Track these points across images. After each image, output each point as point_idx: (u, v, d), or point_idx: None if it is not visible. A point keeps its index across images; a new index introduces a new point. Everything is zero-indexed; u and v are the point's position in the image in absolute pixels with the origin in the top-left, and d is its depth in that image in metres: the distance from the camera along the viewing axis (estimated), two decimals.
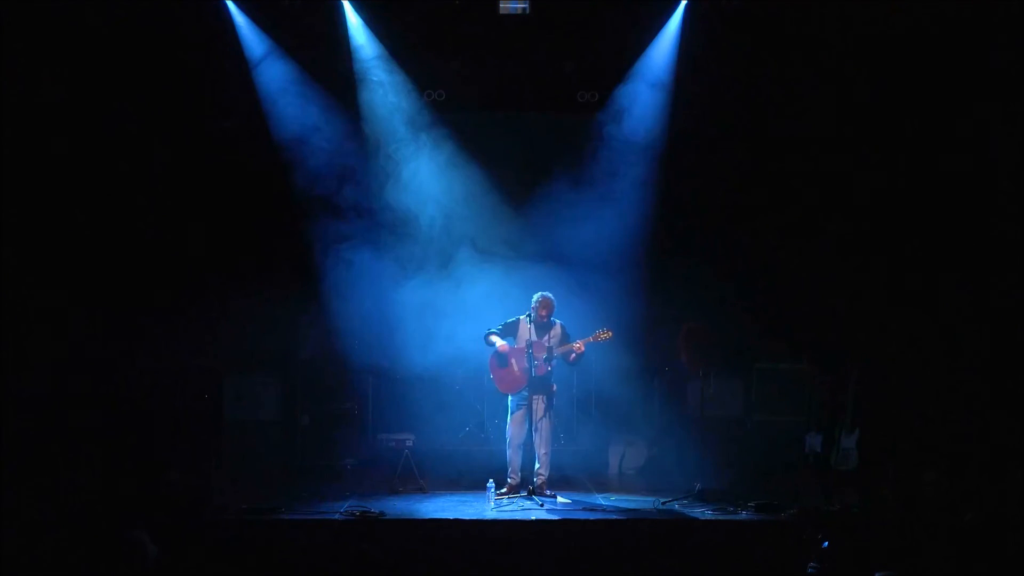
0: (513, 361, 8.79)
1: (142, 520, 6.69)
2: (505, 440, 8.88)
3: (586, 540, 7.65)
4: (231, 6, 10.19)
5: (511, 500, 8.56)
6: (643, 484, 9.63)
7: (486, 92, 10.71)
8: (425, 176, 10.75)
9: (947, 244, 9.69)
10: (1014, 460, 8.20)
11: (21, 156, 8.88)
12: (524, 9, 9.98)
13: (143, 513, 7.44)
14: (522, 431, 8.76)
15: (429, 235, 10.74)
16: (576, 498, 8.77)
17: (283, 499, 8.35)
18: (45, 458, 8.25)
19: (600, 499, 8.83)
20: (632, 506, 8.50)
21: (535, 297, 8.81)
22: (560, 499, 8.63)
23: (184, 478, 8.37)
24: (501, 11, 9.98)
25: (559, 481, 9.16)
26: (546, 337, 8.82)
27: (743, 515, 8.04)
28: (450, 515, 7.99)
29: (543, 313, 8.76)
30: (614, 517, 8.11)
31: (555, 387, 8.91)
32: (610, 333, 8.78)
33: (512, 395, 8.81)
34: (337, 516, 7.86)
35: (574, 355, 8.78)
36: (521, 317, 8.84)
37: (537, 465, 8.77)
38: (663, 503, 8.47)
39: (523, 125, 11.03)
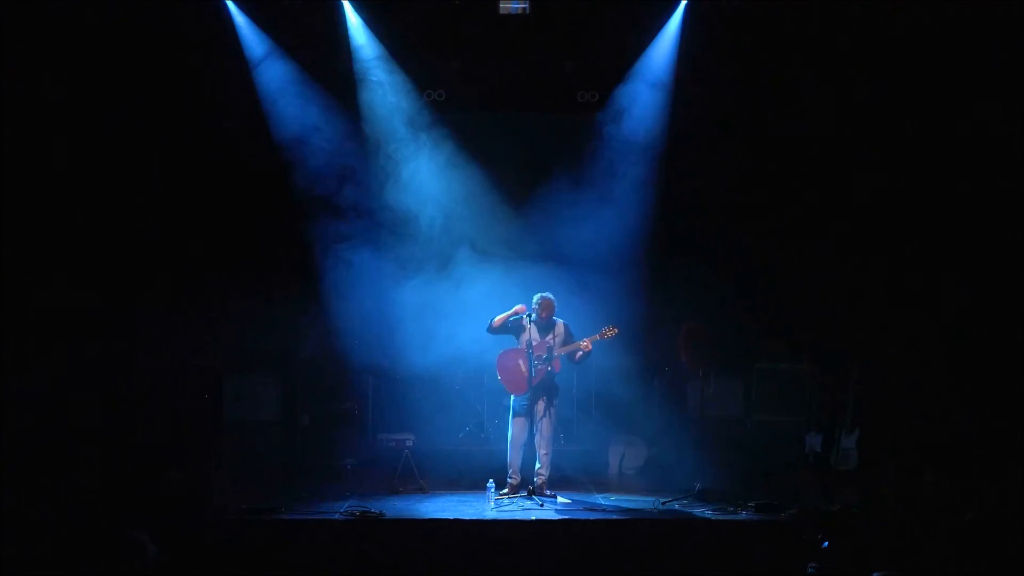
0: (520, 361, 8.78)
1: (142, 520, 6.69)
2: (505, 440, 8.88)
3: (586, 540, 7.65)
4: (231, 6, 10.19)
5: (511, 500, 8.56)
6: (643, 484, 9.63)
7: (486, 92, 10.71)
8: (425, 176, 10.75)
9: (947, 244, 9.69)
10: (1014, 460, 8.21)
11: (21, 156, 8.88)
12: (524, 9, 9.98)
13: (143, 513, 7.46)
14: (524, 432, 8.76)
15: (429, 235, 10.73)
16: (576, 498, 8.77)
17: (283, 499, 8.35)
18: (45, 458, 8.26)
19: (600, 499, 8.83)
20: (632, 506, 8.50)
21: (535, 298, 8.81)
22: (560, 499, 8.63)
23: (184, 478, 8.37)
24: (501, 11, 9.98)
25: (559, 481, 9.16)
26: (549, 336, 8.82)
27: (743, 515, 8.04)
28: (450, 515, 7.99)
29: (543, 315, 8.76)
30: (614, 517, 8.11)
31: (559, 387, 8.93)
32: (616, 330, 8.75)
33: (516, 395, 8.80)
34: (337, 516, 7.85)
35: (580, 353, 8.77)
36: (524, 318, 8.84)
37: (538, 465, 8.77)
38: (663, 503, 8.47)
39: (523, 125, 11.03)
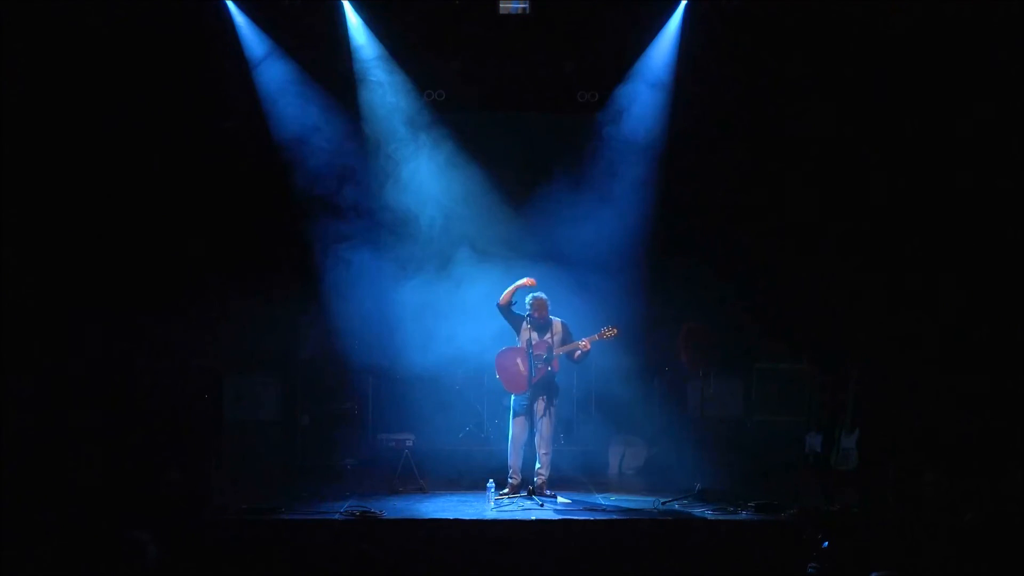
0: (519, 360, 8.78)
1: (142, 520, 6.69)
2: (505, 440, 8.88)
3: (586, 540, 7.65)
4: (231, 6, 10.20)
5: (511, 500, 8.56)
6: (643, 484, 9.63)
7: (486, 92, 10.71)
8: (425, 176, 10.75)
9: (947, 244, 9.69)
10: (1014, 460, 8.21)
11: (21, 156, 8.88)
12: (524, 9, 9.98)
13: (143, 513, 7.46)
14: (524, 432, 8.76)
15: (429, 235, 10.73)
16: (576, 498, 8.77)
17: (283, 499, 8.34)
18: (45, 458, 8.26)
19: (600, 499, 8.83)
20: (632, 506, 8.50)
21: (527, 299, 8.80)
22: (560, 499, 8.63)
23: (184, 478, 8.38)
24: (501, 11, 9.98)
25: (559, 481, 9.15)
26: (547, 335, 8.82)
27: (743, 515, 8.04)
28: (450, 515, 7.98)
29: (537, 314, 8.76)
30: (614, 517, 8.10)
31: (559, 387, 8.93)
32: (615, 331, 8.74)
33: (515, 395, 8.81)
34: (337, 516, 7.85)
35: (579, 353, 8.77)
36: (523, 318, 8.84)
37: (538, 465, 8.77)
38: (663, 503, 8.46)
39: (523, 125, 11.03)
